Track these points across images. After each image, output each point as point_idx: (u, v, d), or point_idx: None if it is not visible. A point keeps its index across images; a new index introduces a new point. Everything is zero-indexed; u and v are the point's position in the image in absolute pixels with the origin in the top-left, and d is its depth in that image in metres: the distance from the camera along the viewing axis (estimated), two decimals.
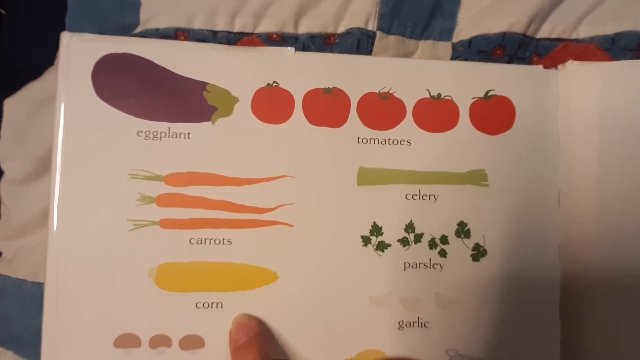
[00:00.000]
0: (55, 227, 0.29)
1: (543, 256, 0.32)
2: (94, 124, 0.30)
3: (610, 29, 0.35)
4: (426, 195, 0.32)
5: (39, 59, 0.36)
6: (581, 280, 0.32)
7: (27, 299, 0.34)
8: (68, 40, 0.30)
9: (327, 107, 0.31)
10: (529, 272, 0.32)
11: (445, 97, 0.32)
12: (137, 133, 0.30)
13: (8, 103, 0.35)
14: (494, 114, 0.32)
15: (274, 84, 0.31)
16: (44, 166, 0.34)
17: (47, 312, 0.29)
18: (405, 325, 0.31)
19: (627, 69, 0.32)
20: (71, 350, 0.29)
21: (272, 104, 0.31)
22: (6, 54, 0.37)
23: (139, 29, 0.34)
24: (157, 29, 0.34)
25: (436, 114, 0.32)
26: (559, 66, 0.34)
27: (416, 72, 0.32)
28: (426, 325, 0.31)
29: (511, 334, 0.32)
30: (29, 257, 0.35)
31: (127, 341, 0.29)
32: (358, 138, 0.32)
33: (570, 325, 0.32)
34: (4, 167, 0.35)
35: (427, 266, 0.31)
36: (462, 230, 0.32)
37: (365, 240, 0.31)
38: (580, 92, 0.33)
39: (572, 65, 0.33)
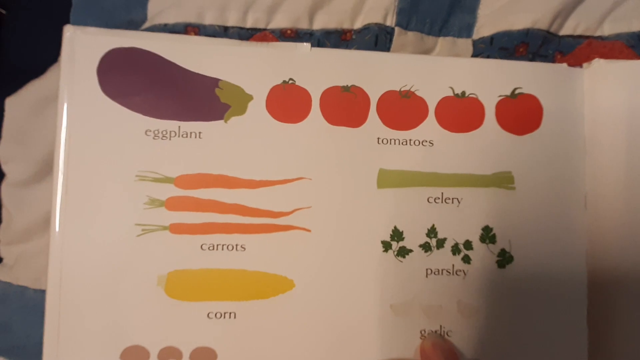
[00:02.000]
0: (57, 232, 0.26)
1: (570, 262, 0.29)
2: (99, 122, 0.27)
3: (635, 26, 0.32)
4: (449, 199, 0.29)
5: (42, 56, 0.33)
6: (609, 286, 0.29)
7: (29, 307, 0.31)
8: (71, 34, 0.27)
9: (345, 106, 0.29)
10: (555, 279, 0.29)
11: (470, 95, 0.29)
12: (146, 132, 0.27)
13: (9, 102, 0.32)
14: (521, 113, 0.29)
15: (290, 82, 0.28)
16: (47, 168, 0.31)
17: (49, 322, 0.26)
18: (428, 334, 0.28)
19: None
20: None
21: (288, 102, 0.28)
22: (8, 52, 0.34)
23: (146, 25, 0.32)
24: (165, 25, 0.31)
25: (460, 113, 0.29)
26: (585, 64, 0.31)
27: (439, 69, 0.29)
28: (449, 334, 0.29)
29: (537, 342, 0.29)
30: (31, 263, 0.32)
31: (134, 354, 0.27)
32: (378, 138, 0.29)
33: (598, 332, 0.29)
34: (5, 169, 0.32)
35: (450, 273, 0.29)
36: (487, 236, 0.29)
37: (386, 246, 0.28)
38: (607, 91, 0.30)
39: (598, 64, 0.31)
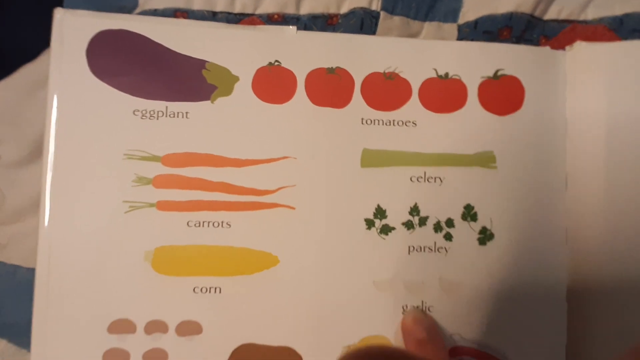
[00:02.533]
0: (47, 210, 0.27)
1: (550, 240, 0.30)
2: (88, 102, 0.27)
3: (618, 9, 0.32)
4: (432, 178, 0.29)
5: (34, 40, 0.33)
6: (589, 265, 0.30)
7: (21, 285, 0.32)
8: (62, 16, 0.28)
9: (330, 87, 0.29)
10: (536, 256, 0.29)
11: (453, 77, 0.30)
12: (134, 112, 0.28)
13: (2, 85, 0.33)
14: (503, 94, 0.30)
15: (276, 63, 0.29)
16: (39, 150, 0.32)
17: (38, 297, 0.27)
18: (409, 310, 0.29)
19: (636, 49, 0.30)
20: (63, 337, 0.27)
21: (273, 84, 0.29)
22: (0, 36, 0.34)
23: (137, 11, 0.32)
24: (155, 10, 0.31)
25: (443, 94, 0.30)
26: (567, 47, 0.31)
27: (423, 51, 0.30)
28: (430, 309, 0.29)
29: (517, 318, 0.29)
30: (23, 242, 0.32)
31: (121, 327, 0.27)
32: (362, 119, 0.29)
33: (577, 309, 0.30)
34: None
35: (432, 250, 0.29)
36: (469, 214, 0.29)
37: (369, 224, 0.29)
38: (588, 73, 0.31)
39: (580, 46, 0.31)
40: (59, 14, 0.28)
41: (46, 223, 0.27)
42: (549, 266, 0.29)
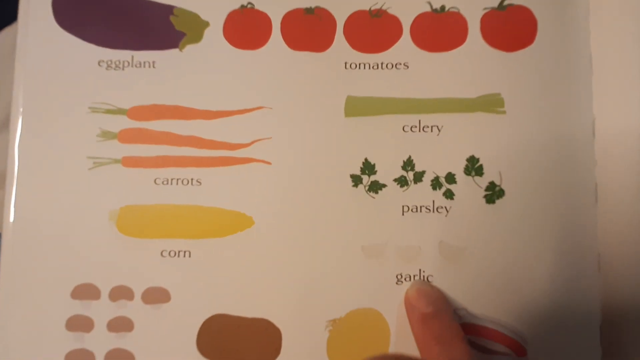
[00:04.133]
0: (15, 169, 0.25)
1: (575, 195, 0.24)
2: (53, 53, 0.26)
3: None
4: (428, 127, 0.25)
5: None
6: (621, 225, 0.24)
7: None
8: None
9: (308, 30, 0.26)
10: (556, 215, 0.24)
11: (451, 10, 0.26)
12: (99, 63, 0.26)
13: None
14: (510, 27, 0.25)
15: (249, 6, 0.26)
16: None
17: (4, 262, 0.25)
18: (405, 280, 0.25)
19: None
20: (25, 301, 0.25)
21: (246, 28, 0.26)
22: None
23: None
24: None
25: (439, 30, 0.25)
26: None
27: None
28: (430, 279, 0.25)
29: (535, 290, 0.24)
30: None
31: (85, 292, 0.25)
32: (345, 63, 0.26)
33: (608, 281, 0.24)
34: None
35: (429, 210, 0.25)
36: (473, 167, 0.25)
37: (356, 180, 0.25)
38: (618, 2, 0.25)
39: None
40: None
41: (11, 183, 0.25)
42: (572, 227, 0.24)
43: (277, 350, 0.24)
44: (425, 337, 0.23)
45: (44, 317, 0.25)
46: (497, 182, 0.25)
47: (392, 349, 0.24)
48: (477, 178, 0.25)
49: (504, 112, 0.25)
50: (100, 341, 0.25)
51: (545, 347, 0.24)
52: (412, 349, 0.24)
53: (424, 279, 0.25)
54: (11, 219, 0.25)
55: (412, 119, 0.25)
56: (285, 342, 0.24)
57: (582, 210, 0.24)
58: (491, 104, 0.25)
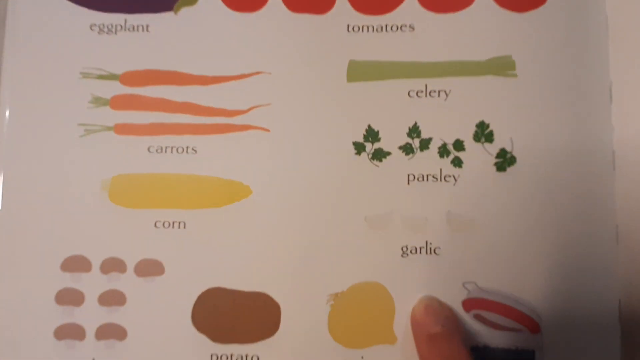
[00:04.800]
0: (5, 133, 0.24)
1: (591, 161, 0.23)
2: (43, 17, 0.25)
3: None
4: (434, 91, 0.24)
5: None
6: None
7: None
8: None
9: None
10: (570, 184, 0.23)
11: None
12: (90, 27, 0.25)
13: None
14: None
15: None
16: None
17: None
18: (410, 252, 0.23)
19: None
20: (13, 273, 0.24)
21: None
22: None
23: None
24: None
25: None
26: None
27: None
28: (437, 251, 0.23)
29: (549, 263, 0.23)
30: None
31: (75, 264, 0.24)
32: (348, 25, 0.24)
33: (627, 253, 0.23)
34: None
35: (436, 178, 0.23)
36: (483, 133, 0.24)
37: (359, 148, 0.24)
38: None
39: None
40: None
41: (3, 149, 0.24)
42: (589, 192, 0.23)
43: (276, 326, 0.23)
44: (430, 359, 0.21)
45: (33, 290, 0.24)
46: (509, 149, 0.23)
47: (397, 324, 0.23)
48: (487, 145, 0.23)
49: (515, 75, 0.24)
50: (90, 315, 0.23)
51: (561, 324, 0.23)
52: None
53: (431, 252, 0.23)
54: (0, 187, 0.24)
55: (418, 83, 0.24)
56: (285, 317, 0.23)
57: (598, 178, 0.23)
58: (502, 66, 0.24)
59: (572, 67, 0.23)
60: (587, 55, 0.24)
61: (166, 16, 0.25)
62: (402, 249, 0.23)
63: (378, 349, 0.23)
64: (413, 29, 0.24)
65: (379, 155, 0.24)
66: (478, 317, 0.23)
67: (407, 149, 0.24)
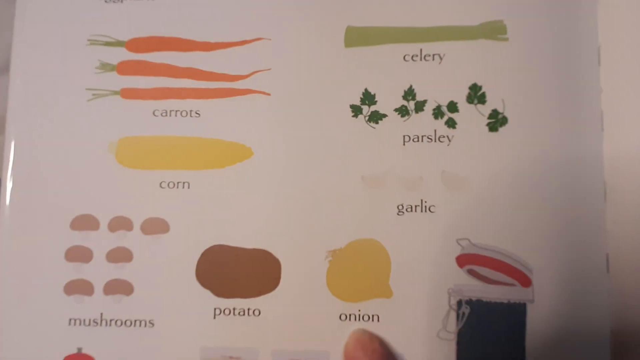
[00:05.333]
0: (13, 101, 0.25)
1: (581, 119, 0.24)
2: None
3: None
4: (429, 55, 0.25)
5: None
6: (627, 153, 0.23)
7: None
8: None
9: None
10: (560, 141, 0.24)
11: None
12: None
13: None
14: None
15: None
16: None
17: (3, 197, 0.25)
18: (406, 210, 0.24)
19: None
20: (26, 232, 0.25)
21: None
22: None
23: None
24: None
25: None
26: None
27: None
28: (431, 209, 0.24)
29: (541, 219, 0.23)
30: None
31: (84, 223, 0.25)
32: None
33: (614, 209, 0.23)
34: None
35: (431, 139, 0.24)
36: (476, 95, 0.24)
37: (356, 110, 0.25)
38: None
39: None
40: None
41: (12, 115, 0.25)
42: (578, 150, 0.24)
43: (277, 281, 0.24)
44: None
45: (44, 248, 0.24)
46: (500, 110, 0.24)
47: (393, 279, 0.24)
48: (479, 106, 0.24)
49: (507, 39, 0.24)
50: (99, 271, 0.24)
51: (551, 277, 0.23)
52: (412, 281, 0.24)
53: (426, 210, 0.24)
54: (12, 151, 0.25)
55: (413, 47, 0.25)
56: (285, 273, 0.24)
57: (588, 136, 0.24)
58: (493, 30, 0.24)
59: (561, 31, 0.24)
60: (576, 19, 0.24)
61: None
62: (398, 207, 0.24)
63: (375, 302, 0.24)
64: None
65: (376, 117, 0.25)
66: (471, 272, 0.24)
67: (403, 111, 0.25)
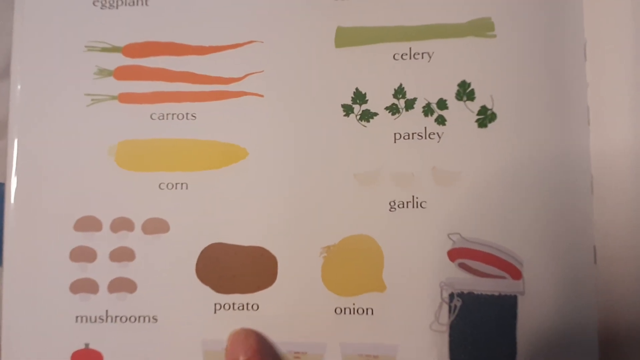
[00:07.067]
0: (16, 107, 0.26)
1: (568, 114, 0.24)
2: None
3: None
4: (418, 54, 0.25)
5: None
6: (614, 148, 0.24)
7: None
8: None
9: None
10: (548, 137, 0.24)
11: None
12: (93, 2, 0.26)
13: None
14: None
15: None
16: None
17: (8, 201, 0.26)
18: (398, 206, 0.25)
19: None
20: (31, 235, 0.25)
21: None
22: None
23: None
24: None
25: None
26: None
27: None
28: (423, 205, 0.24)
29: (530, 214, 0.24)
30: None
31: (87, 224, 0.25)
32: None
33: (602, 204, 0.24)
34: None
35: (421, 136, 0.25)
36: (465, 92, 0.25)
37: (347, 110, 0.25)
38: None
39: None
40: None
41: (14, 121, 0.26)
42: (565, 144, 0.24)
43: (274, 277, 0.25)
44: None
45: (49, 249, 0.25)
46: (489, 106, 0.24)
47: (386, 274, 0.24)
48: (468, 103, 0.25)
49: (495, 36, 0.25)
50: (103, 270, 0.25)
51: (541, 269, 0.24)
52: (405, 275, 0.24)
53: (417, 206, 0.25)
54: (14, 157, 0.26)
55: (402, 46, 0.25)
56: (281, 269, 0.25)
57: (575, 131, 0.24)
58: (481, 28, 0.25)
59: (548, 27, 0.24)
60: (562, 16, 0.24)
61: None
62: (390, 203, 0.25)
63: (368, 296, 0.24)
64: None
65: (367, 116, 0.25)
66: (463, 266, 0.24)
67: (393, 109, 0.25)
